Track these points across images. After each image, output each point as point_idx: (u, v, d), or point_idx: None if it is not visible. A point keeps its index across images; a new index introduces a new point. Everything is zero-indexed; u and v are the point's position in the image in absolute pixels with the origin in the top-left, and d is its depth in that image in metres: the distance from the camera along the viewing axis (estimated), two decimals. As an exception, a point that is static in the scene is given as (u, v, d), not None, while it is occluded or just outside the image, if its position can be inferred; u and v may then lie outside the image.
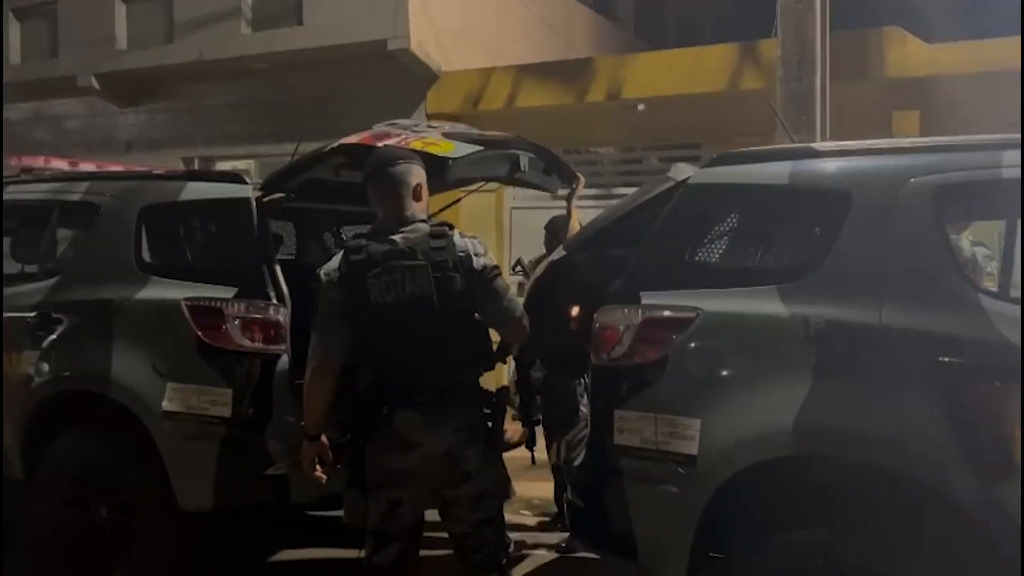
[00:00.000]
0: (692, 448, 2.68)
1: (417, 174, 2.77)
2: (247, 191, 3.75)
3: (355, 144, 3.50)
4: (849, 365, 2.53)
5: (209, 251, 3.82)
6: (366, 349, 2.68)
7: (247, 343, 3.52)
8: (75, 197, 4.19)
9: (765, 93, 7.40)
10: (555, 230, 4.78)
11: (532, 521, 4.92)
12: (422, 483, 2.70)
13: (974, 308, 2.43)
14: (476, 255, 2.68)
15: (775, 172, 2.85)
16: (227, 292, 3.58)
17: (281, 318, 3.56)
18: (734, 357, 2.70)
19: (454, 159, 3.58)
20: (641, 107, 7.97)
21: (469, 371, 2.74)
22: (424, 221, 2.74)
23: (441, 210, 5.21)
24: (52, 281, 4.06)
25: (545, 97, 8.27)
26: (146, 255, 3.86)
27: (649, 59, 8.29)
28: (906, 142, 3.02)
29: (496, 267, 2.73)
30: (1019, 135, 2.55)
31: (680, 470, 2.70)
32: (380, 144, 3.57)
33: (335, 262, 2.71)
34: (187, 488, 3.58)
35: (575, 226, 4.27)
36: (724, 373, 2.70)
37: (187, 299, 3.60)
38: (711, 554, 2.67)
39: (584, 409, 4.13)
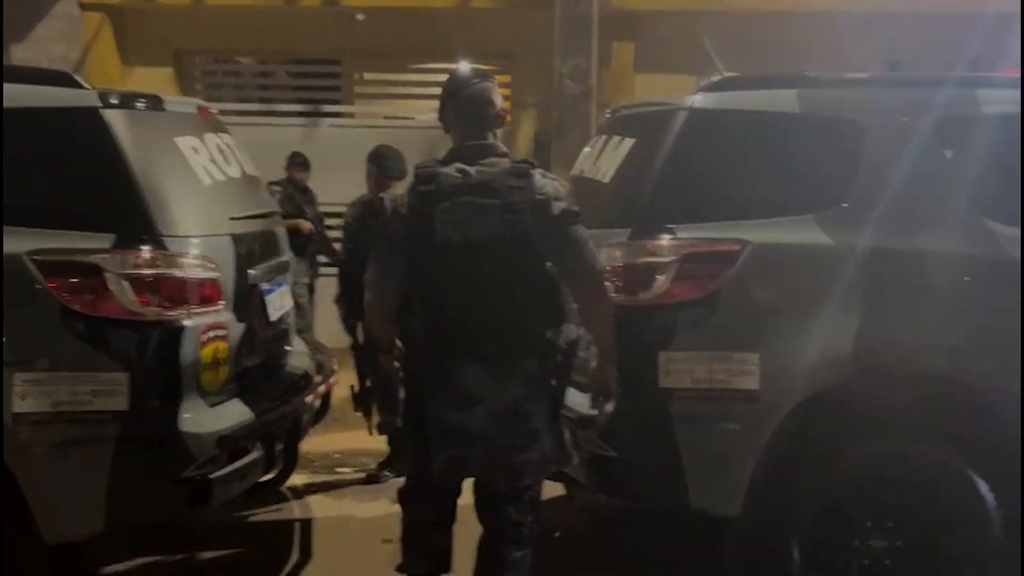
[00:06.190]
0: (752, 383, 2.66)
1: (498, 96, 2.42)
2: (93, 97, 2.72)
3: None
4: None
5: (48, 184, 2.67)
6: (426, 291, 2.40)
7: (142, 309, 2.61)
8: None
9: (500, 12, 7.37)
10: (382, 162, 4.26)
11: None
12: (487, 444, 2.37)
13: None
14: (556, 199, 2.39)
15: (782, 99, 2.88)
16: (99, 240, 2.60)
17: (186, 272, 2.69)
18: (788, 288, 2.71)
19: None
20: (360, 17, 7.37)
21: (537, 324, 2.40)
22: (505, 155, 2.34)
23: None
24: None
25: (246, -6, 7.21)
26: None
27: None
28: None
29: (576, 213, 2.40)
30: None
31: (740, 406, 2.67)
32: None
33: (403, 190, 2.39)
34: (59, 515, 2.59)
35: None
36: (779, 305, 2.70)
37: (33, 252, 2.54)
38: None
39: None
